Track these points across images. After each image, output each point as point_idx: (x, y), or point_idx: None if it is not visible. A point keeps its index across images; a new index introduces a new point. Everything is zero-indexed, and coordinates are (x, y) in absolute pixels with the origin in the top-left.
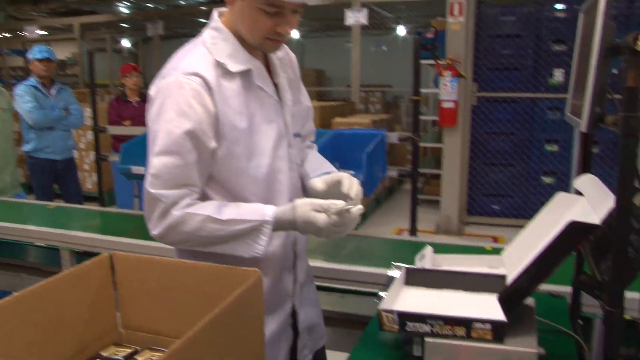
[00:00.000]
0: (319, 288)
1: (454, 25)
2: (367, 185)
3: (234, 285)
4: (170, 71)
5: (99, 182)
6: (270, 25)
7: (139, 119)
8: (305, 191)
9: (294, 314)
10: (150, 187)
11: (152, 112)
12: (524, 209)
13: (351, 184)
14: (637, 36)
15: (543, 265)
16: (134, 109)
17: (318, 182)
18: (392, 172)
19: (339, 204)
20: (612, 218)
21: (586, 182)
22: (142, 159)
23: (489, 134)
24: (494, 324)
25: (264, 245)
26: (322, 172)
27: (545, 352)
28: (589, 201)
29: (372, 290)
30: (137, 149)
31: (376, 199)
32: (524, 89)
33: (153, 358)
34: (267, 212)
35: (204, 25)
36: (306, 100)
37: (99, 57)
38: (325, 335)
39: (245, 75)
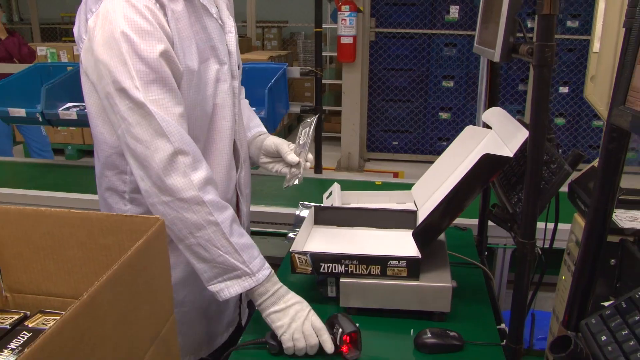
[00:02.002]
0: None
1: None
2: (269, 122)
3: (135, 235)
4: None
5: None
6: None
7: (7, 58)
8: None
9: None
10: (148, 104)
11: (100, 40)
12: (422, 144)
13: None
14: None
15: (457, 200)
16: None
17: (289, 154)
18: (295, 108)
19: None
20: (525, 150)
21: (495, 114)
22: (21, 100)
23: (387, 69)
24: (409, 261)
25: (230, 295)
26: (255, 131)
27: (457, 285)
28: (498, 134)
29: (279, 230)
30: (14, 88)
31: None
32: (421, 25)
33: (47, 322)
34: (262, 272)
35: None
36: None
37: None
38: None
39: None
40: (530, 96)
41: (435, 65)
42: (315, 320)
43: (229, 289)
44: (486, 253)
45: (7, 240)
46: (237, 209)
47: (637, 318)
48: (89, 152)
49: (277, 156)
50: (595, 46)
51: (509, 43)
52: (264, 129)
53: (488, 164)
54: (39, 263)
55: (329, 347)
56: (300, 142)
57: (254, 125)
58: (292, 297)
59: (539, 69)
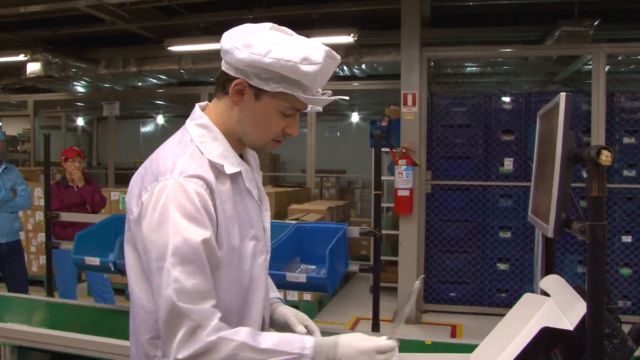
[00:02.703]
0: None
1: (408, 115)
2: (329, 281)
3: None
4: (165, 173)
5: (48, 270)
6: (282, 127)
7: (81, 204)
8: None
9: None
10: (178, 300)
11: (151, 220)
12: (480, 296)
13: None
14: (599, 150)
15: None
16: (75, 193)
17: (297, 327)
18: (354, 267)
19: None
20: (585, 324)
21: (552, 282)
22: (95, 249)
23: (443, 220)
24: None
25: None
26: (272, 296)
27: None
28: (557, 303)
29: None
30: (91, 238)
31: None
32: (476, 177)
33: None
34: (306, 344)
35: (159, 107)
36: None
37: (53, 135)
38: None
39: (234, 177)
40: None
41: (491, 216)
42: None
43: None
44: None
45: None
46: None
47: None
48: None
49: (287, 327)
50: None
51: (561, 220)
52: (275, 295)
53: (547, 336)
54: None
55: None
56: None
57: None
58: (329, 340)
59: (592, 247)
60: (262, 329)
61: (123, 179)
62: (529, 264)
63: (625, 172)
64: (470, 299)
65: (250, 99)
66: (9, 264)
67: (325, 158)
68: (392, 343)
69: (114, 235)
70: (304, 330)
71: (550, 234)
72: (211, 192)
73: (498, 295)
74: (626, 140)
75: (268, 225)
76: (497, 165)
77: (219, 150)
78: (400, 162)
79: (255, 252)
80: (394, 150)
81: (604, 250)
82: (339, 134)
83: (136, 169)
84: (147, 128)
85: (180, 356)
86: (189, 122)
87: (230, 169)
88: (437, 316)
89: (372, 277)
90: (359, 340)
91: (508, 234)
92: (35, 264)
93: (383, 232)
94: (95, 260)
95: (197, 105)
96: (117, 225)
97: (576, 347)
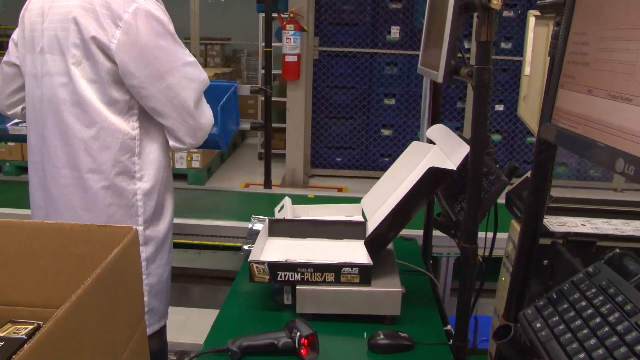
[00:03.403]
0: (176, 245)
1: None
2: (221, 139)
3: (108, 245)
4: None
5: None
6: None
7: None
8: None
9: None
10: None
11: (150, 30)
12: (365, 160)
13: None
14: None
15: (405, 211)
16: None
17: None
18: (245, 125)
19: None
20: (466, 163)
21: (437, 131)
22: None
23: (330, 87)
24: (361, 267)
25: None
26: None
27: (406, 291)
28: (442, 149)
29: (232, 244)
30: None
31: (220, 154)
32: (363, 45)
33: (18, 331)
34: None
35: None
36: None
37: None
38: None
39: None
40: (468, 113)
41: (377, 83)
42: None
43: None
44: (431, 262)
45: None
46: None
47: (565, 306)
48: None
49: None
50: (527, 69)
51: (450, 66)
52: None
53: (433, 177)
54: (9, 274)
55: None
56: None
57: None
58: None
59: (478, 90)
60: None
61: None
62: (412, 130)
63: (503, 45)
64: (355, 163)
65: None
66: None
67: (209, 25)
68: None
69: None
70: None
71: (440, 80)
72: None
73: (382, 160)
74: (505, 13)
75: None
76: (385, 33)
77: None
78: (288, 27)
79: None
80: (282, 15)
81: (488, 93)
82: (223, 0)
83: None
84: None
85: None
86: None
87: None
88: (323, 180)
89: (264, 135)
90: None
91: (392, 101)
92: None
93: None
94: None
95: None
96: None
97: (456, 185)
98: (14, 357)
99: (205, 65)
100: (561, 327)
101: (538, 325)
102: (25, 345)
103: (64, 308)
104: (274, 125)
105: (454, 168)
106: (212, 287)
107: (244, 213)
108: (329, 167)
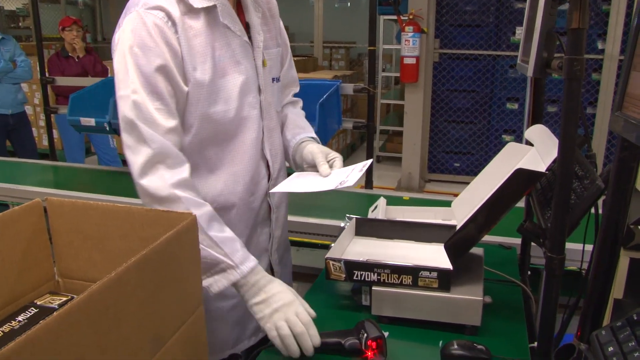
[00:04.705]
0: None
1: None
2: (320, 136)
3: (171, 229)
4: (130, 7)
5: (49, 136)
6: None
7: (83, 74)
8: (286, 154)
9: (272, 272)
10: (134, 118)
11: (115, 52)
12: (485, 167)
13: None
14: None
15: (490, 213)
16: (76, 64)
17: (322, 165)
18: (347, 124)
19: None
20: (556, 165)
21: (536, 131)
22: (91, 111)
23: (450, 90)
24: (440, 272)
25: (219, 289)
26: (299, 138)
27: (492, 301)
28: (538, 150)
29: (325, 242)
30: (86, 100)
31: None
32: (485, 47)
33: (53, 301)
34: (247, 262)
35: None
36: (284, 44)
37: (52, 9)
38: None
39: (210, 13)
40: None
41: (499, 87)
42: (302, 312)
43: (217, 283)
44: (529, 273)
45: (61, 230)
46: (269, 218)
47: None
48: None
49: (313, 164)
50: None
51: (542, 58)
52: (308, 135)
53: (521, 179)
54: (86, 252)
55: (316, 342)
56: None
57: (300, 132)
58: (275, 287)
59: (568, 82)
60: (269, 171)
61: None
62: None
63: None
64: (474, 169)
65: None
66: (17, 135)
67: (335, 29)
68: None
69: (109, 97)
70: (328, 171)
71: (529, 73)
72: (173, 24)
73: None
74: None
75: (260, 63)
76: (509, 34)
77: None
78: (407, 29)
79: (244, 89)
80: (401, 17)
81: (580, 85)
82: (349, 4)
83: None
84: None
85: (144, 182)
86: None
87: (199, 2)
88: (440, 185)
89: (367, 134)
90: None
91: (515, 106)
92: (45, 137)
93: (389, 101)
94: (90, 121)
95: None
96: (111, 87)
97: (551, 190)
98: (41, 321)
99: (330, 68)
100: (636, 354)
101: (610, 349)
102: (55, 313)
103: (100, 282)
104: (393, 128)
105: (543, 170)
106: (299, 285)
107: (340, 211)
108: (446, 172)
